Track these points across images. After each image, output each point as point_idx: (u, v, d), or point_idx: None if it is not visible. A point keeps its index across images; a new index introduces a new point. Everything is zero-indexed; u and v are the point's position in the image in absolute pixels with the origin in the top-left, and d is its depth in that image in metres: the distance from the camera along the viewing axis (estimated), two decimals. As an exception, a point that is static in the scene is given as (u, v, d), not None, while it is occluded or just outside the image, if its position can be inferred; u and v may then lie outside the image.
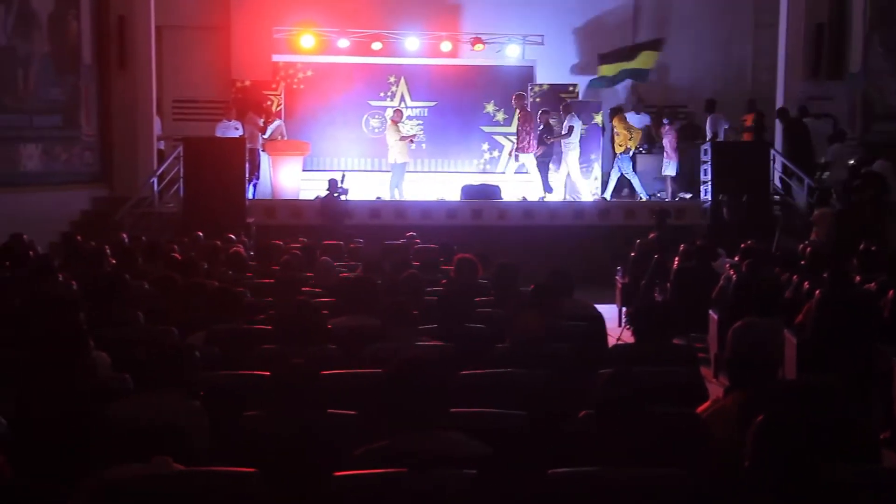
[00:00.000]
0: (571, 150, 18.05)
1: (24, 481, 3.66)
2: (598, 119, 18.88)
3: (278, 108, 19.12)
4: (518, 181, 18.34)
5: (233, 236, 12.27)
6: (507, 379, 5.50)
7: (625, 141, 18.10)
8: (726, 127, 18.90)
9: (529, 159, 18.08)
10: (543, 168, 18.13)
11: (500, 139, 19.43)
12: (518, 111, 18.17)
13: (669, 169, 18.30)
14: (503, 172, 18.95)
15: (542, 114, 18.20)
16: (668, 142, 18.24)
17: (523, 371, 5.56)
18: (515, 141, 18.29)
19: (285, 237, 12.81)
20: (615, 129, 18.31)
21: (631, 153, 18.29)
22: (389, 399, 4.08)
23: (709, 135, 18.63)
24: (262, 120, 18.34)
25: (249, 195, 16.66)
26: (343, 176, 15.71)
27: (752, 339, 4.84)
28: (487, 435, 4.18)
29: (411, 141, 18.45)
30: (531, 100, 19.17)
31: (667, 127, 18.38)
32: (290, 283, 8.00)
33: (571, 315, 7.29)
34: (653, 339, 5.89)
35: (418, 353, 5.68)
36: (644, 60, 19.08)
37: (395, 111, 18.60)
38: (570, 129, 17.96)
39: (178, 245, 11.18)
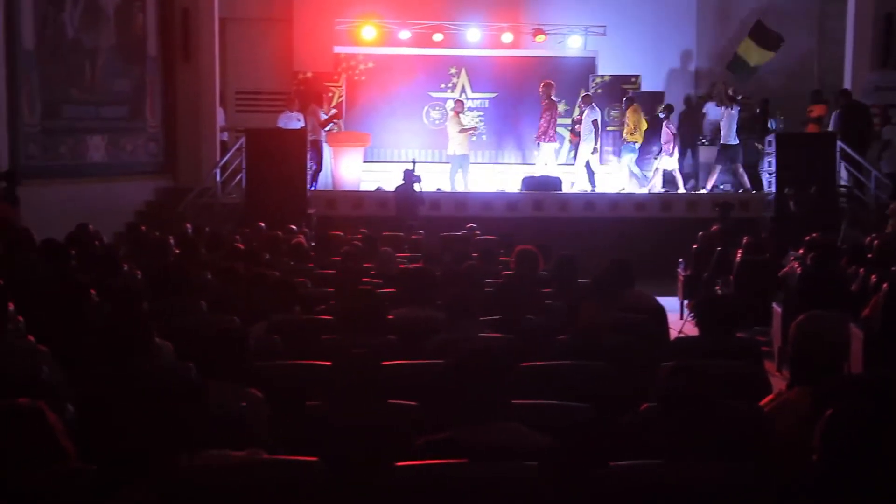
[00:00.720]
0: (585, 141, 18.07)
1: (90, 468, 3.69)
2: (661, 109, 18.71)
3: (339, 100, 19.20)
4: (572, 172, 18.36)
5: (294, 227, 12.34)
6: (567, 371, 5.46)
7: (629, 133, 18.10)
8: (780, 122, 18.68)
9: (548, 149, 18.05)
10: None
11: (562, 130, 19.34)
12: (543, 100, 18.11)
13: (666, 162, 18.08)
14: (571, 163, 18.86)
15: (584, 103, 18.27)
16: (665, 134, 18.02)
17: (584, 363, 5.52)
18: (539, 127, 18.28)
19: (346, 228, 12.87)
20: (626, 118, 18.27)
21: (636, 146, 18.20)
22: (452, 390, 4.06)
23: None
24: (324, 112, 18.41)
25: (311, 186, 16.74)
26: (414, 163, 15.66)
27: (816, 332, 4.73)
28: (549, 427, 4.15)
29: (472, 133, 18.42)
30: (593, 91, 19.09)
31: (665, 120, 18.17)
32: (350, 274, 8.01)
33: (632, 307, 7.23)
34: (717, 332, 5.82)
35: (482, 344, 5.65)
36: (760, 56, 18.84)
37: (456, 102, 18.61)
38: (595, 122, 18.07)
39: (241, 235, 11.27)
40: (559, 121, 18.78)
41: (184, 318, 6.61)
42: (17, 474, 3.54)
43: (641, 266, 8.72)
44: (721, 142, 17.87)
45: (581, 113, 18.52)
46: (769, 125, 18.58)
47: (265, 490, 3.70)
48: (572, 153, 18.92)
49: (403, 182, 15.30)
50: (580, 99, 18.87)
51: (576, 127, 18.60)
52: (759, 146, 17.97)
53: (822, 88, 18.89)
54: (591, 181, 18.15)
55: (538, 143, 18.27)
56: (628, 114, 18.22)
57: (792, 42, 19.44)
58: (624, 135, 18.30)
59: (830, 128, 17.39)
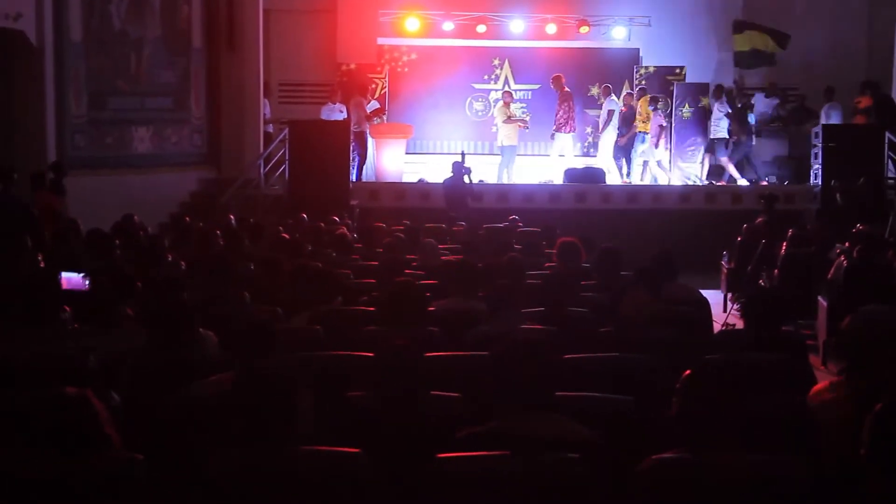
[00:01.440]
0: (605, 132, 18.05)
1: (136, 457, 3.71)
2: (705, 102, 18.57)
3: (382, 92, 19.24)
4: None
5: (336, 218, 12.37)
6: (611, 363, 5.45)
7: (640, 122, 18.20)
8: (839, 114, 18.44)
9: (565, 140, 17.97)
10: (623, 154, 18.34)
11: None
12: (557, 91, 18.07)
13: (650, 154, 17.98)
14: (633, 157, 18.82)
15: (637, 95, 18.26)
16: (653, 126, 17.92)
17: (627, 355, 5.50)
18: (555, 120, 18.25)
19: (388, 220, 12.89)
20: (638, 109, 18.36)
21: (647, 136, 18.22)
22: (495, 382, 4.05)
23: (823, 121, 18.21)
24: (376, 104, 18.44)
25: (354, 178, 16.78)
26: (463, 154, 15.60)
27: (869, 326, 4.66)
28: (593, 419, 4.13)
29: (522, 124, 18.38)
30: (637, 82, 19.01)
31: (656, 111, 18.06)
32: (393, 266, 8.01)
33: (675, 299, 7.21)
34: (762, 325, 5.76)
35: (525, 335, 5.64)
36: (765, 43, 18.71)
37: (504, 92, 18.68)
38: (610, 112, 18.09)
39: (283, 227, 11.31)
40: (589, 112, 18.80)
41: (226, 308, 6.64)
42: (62, 462, 3.57)
43: (685, 258, 8.68)
44: (710, 136, 17.93)
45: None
46: (817, 116, 18.37)
47: (308, 481, 3.71)
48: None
49: (453, 174, 15.24)
50: (600, 89, 18.83)
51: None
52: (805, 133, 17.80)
53: (871, 80, 18.64)
54: (623, 173, 18.09)
55: (552, 134, 18.25)
56: (640, 104, 18.23)
57: (841, 31, 19.23)
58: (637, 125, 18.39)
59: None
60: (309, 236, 10.49)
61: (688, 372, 3.81)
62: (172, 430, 4.45)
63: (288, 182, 15.73)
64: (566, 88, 18.11)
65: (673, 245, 8.95)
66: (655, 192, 17.07)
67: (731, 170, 17.78)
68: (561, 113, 17.99)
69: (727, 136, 17.80)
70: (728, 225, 14.00)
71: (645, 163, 18.35)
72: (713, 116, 17.93)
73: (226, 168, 17.47)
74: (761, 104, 18.63)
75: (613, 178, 17.99)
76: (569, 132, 18.02)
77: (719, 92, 17.99)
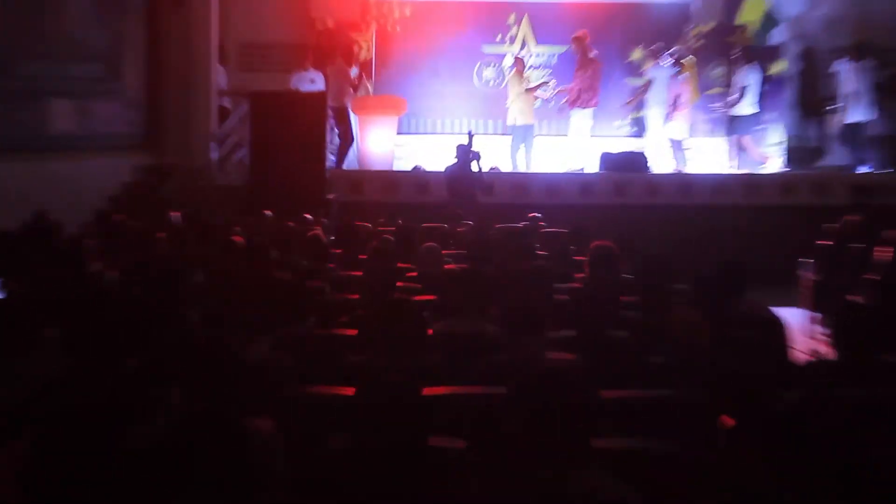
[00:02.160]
0: (650, 107, 18.12)
1: None
2: (779, 68, 18.57)
3: (368, 56, 19.23)
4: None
5: (310, 216, 12.35)
6: (659, 401, 5.49)
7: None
8: None
9: (582, 117, 18.00)
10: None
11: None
12: (578, 55, 18.08)
13: (672, 130, 18.05)
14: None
15: (676, 56, 18.27)
16: (672, 95, 17.95)
17: (681, 392, 5.52)
18: (568, 90, 18.37)
19: (375, 218, 12.88)
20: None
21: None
22: (512, 426, 4.01)
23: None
24: (356, 70, 18.41)
25: (332, 164, 16.76)
26: (471, 135, 15.53)
27: None
28: (635, 473, 4.12)
29: (542, 92, 18.37)
30: (691, 44, 19.01)
31: (675, 75, 18.09)
32: (381, 277, 7.98)
33: (743, 320, 7.15)
34: (857, 353, 5.73)
35: (550, 366, 5.61)
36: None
37: (516, 60, 18.64)
38: (649, 82, 18.43)
39: (243, 227, 11.30)
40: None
41: (167, 333, 6.58)
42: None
43: (754, 267, 8.63)
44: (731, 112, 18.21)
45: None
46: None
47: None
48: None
49: (457, 160, 15.20)
50: (645, 51, 18.86)
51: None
52: None
53: None
54: (679, 158, 18.13)
55: (569, 109, 18.37)
56: (687, 68, 18.50)
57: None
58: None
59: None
60: (274, 239, 10.45)
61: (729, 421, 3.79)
62: (98, 490, 4.40)
63: (249, 170, 15.75)
64: (591, 52, 18.09)
65: (738, 250, 8.93)
66: (716, 183, 17.07)
67: (754, 152, 17.90)
68: (578, 82, 18.03)
69: (756, 111, 17.88)
70: (810, 224, 13.95)
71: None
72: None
73: (169, 152, 17.44)
74: (845, 72, 18.57)
75: (662, 166, 17.98)
76: (586, 107, 17.99)
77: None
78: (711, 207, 16.41)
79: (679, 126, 18.14)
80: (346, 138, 17.70)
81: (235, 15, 19.76)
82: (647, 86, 18.51)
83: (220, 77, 18.29)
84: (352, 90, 18.07)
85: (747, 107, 18.03)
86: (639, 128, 19.46)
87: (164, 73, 17.64)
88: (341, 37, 19.23)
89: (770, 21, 19.31)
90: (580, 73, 18.08)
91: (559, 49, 20.12)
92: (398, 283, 8.40)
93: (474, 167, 15.18)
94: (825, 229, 12.40)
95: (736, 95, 18.04)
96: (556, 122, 19.62)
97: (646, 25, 19.85)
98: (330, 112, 16.62)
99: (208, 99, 17.81)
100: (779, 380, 5.81)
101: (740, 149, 18.30)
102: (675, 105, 18.08)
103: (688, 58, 18.60)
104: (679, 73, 18.08)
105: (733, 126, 18.39)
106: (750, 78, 17.98)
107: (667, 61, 18.36)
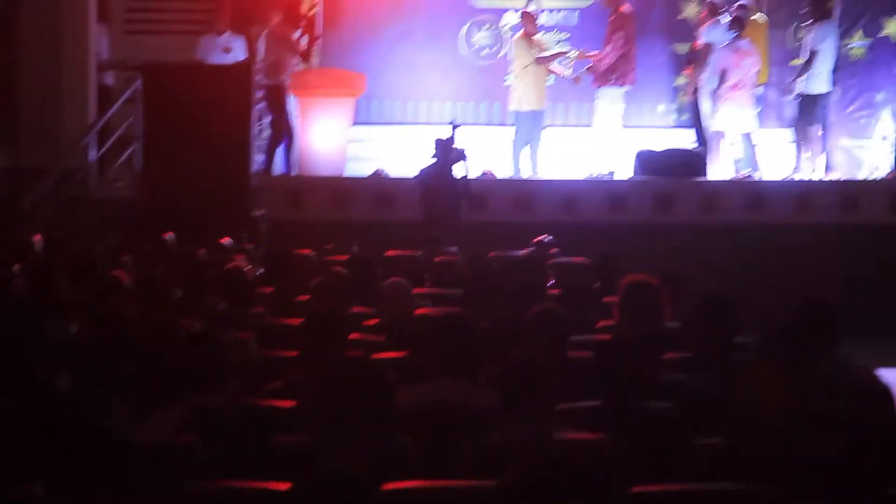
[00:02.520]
0: (704, 84, 18.16)
1: None
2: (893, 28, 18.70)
3: (312, 13, 19.24)
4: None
5: (229, 241, 12.36)
6: (716, 499, 5.48)
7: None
8: None
9: (613, 100, 18.17)
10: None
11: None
12: (611, 14, 18.27)
13: (727, 119, 18.26)
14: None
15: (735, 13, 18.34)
16: (719, 68, 18.09)
17: (750, 487, 5.51)
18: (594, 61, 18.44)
19: (320, 243, 12.88)
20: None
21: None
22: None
23: None
24: (299, 34, 18.34)
25: (260, 166, 16.78)
26: (454, 126, 15.49)
27: None
28: None
29: (555, 69, 18.43)
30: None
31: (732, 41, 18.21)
32: (328, 325, 8.02)
33: (836, 385, 7.21)
34: None
35: (562, 450, 5.65)
36: None
37: (524, 14, 18.60)
38: (707, 47, 18.30)
39: (132, 256, 11.29)
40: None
41: (23, 406, 6.62)
42: None
43: (851, 312, 8.68)
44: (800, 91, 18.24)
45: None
46: None
47: None
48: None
49: (436, 160, 15.20)
50: (701, 7, 18.94)
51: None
52: None
53: None
54: (752, 160, 18.15)
55: (595, 88, 18.47)
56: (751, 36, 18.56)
57: None
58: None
59: None
60: (178, 273, 10.49)
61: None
62: None
63: (141, 176, 15.73)
64: (625, 7, 18.17)
65: (832, 290, 8.98)
66: (799, 194, 17.09)
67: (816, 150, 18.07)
68: (609, 50, 18.10)
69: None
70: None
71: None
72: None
73: (27, 152, 17.42)
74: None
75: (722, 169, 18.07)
76: (621, 85, 18.05)
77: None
78: (792, 228, 16.42)
79: (740, 113, 18.14)
80: (280, 130, 17.58)
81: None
82: (706, 51, 18.48)
83: (100, 44, 18.28)
84: (297, 62, 17.94)
85: (819, 83, 18.11)
86: (692, 115, 19.40)
87: (18, 44, 17.65)
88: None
89: None
90: (612, 38, 18.14)
91: (581, 4, 20.20)
92: (352, 335, 8.42)
93: (458, 171, 15.18)
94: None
95: (802, 64, 18.05)
96: (577, 108, 19.70)
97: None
98: (262, 93, 16.63)
99: (84, 75, 17.82)
100: (885, 472, 5.87)
101: (805, 144, 18.20)
102: (725, 82, 18.03)
103: (756, 15, 18.62)
104: (738, 37, 18.00)
105: (801, 111, 18.37)
106: (825, 39, 18.01)
107: (727, 19, 18.40)
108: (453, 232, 14.05)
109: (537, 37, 18.42)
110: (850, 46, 18.64)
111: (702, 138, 18.39)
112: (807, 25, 18.37)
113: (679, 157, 17.52)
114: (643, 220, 16.46)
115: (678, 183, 17.03)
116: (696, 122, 18.80)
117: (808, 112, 18.11)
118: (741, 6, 18.46)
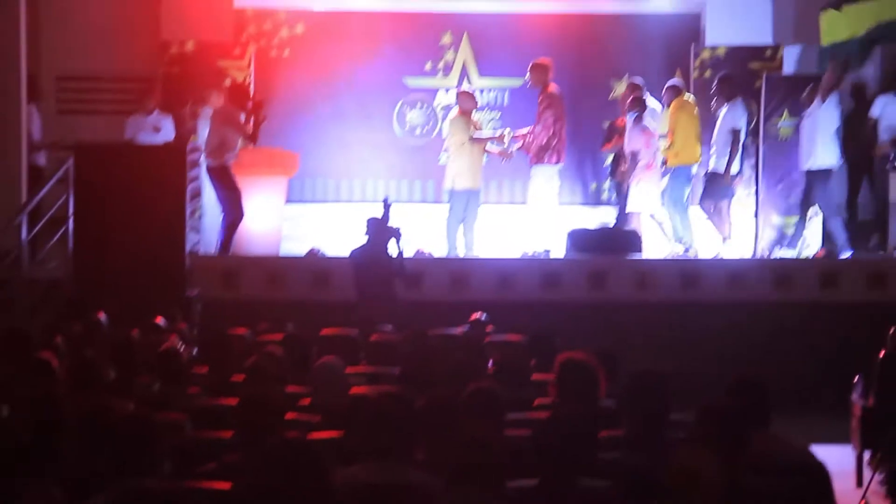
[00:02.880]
0: (640, 164, 18.37)
1: None
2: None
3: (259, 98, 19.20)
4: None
5: (162, 321, 12.34)
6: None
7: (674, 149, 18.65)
8: None
9: (546, 178, 18.29)
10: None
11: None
12: (540, 94, 18.36)
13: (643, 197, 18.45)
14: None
15: (632, 95, 18.44)
16: (632, 137, 18.33)
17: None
18: (525, 140, 18.53)
19: (254, 323, 12.87)
20: (668, 121, 18.75)
21: (692, 170, 18.77)
22: None
23: None
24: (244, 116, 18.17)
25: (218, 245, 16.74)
26: (387, 205, 15.44)
27: None
28: None
29: (491, 149, 18.47)
30: (696, 74, 19.26)
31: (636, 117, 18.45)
32: (263, 407, 8.02)
33: (771, 462, 7.25)
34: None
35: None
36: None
37: (461, 95, 18.58)
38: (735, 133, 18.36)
39: (64, 338, 11.24)
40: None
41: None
42: None
43: (784, 390, 8.74)
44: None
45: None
46: None
47: None
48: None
49: (368, 238, 15.18)
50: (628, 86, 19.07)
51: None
52: None
53: None
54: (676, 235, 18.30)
55: (531, 165, 18.51)
56: (670, 114, 18.69)
57: None
58: (666, 153, 18.79)
59: None
60: (111, 355, 10.46)
61: None
62: None
63: (73, 256, 15.70)
64: (552, 87, 18.27)
65: (765, 367, 9.03)
66: (732, 271, 17.17)
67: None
68: (540, 129, 18.19)
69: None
70: (861, 330, 14.13)
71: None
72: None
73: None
74: (891, 111, 18.82)
75: (657, 246, 18.16)
76: (556, 162, 18.12)
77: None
78: (726, 305, 16.50)
79: (652, 192, 18.34)
80: (234, 209, 17.14)
81: (52, 35, 19.79)
82: (623, 129, 18.60)
83: (31, 122, 18.26)
84: (243, 143, 17.66)
85: (722, 161, 18.36)
86: (618, 193, 19.50)
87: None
88: (204, 65, 19.09)
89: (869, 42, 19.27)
90: (541, 117, 18.19)
91: (510, 82, 20.25)
92: (288, 415, 8.42)
93: (392, 250, 15.18)
94: (890, 337, 12.46)
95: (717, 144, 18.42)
96: (510, 185, 19.77)
97: (635, 47, 20.06)
98: (211, 174, 16.55)
99: (16, 155, 17.76)
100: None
101: (716, 219, 18.37)
102: (637, 163, 18.17)
103: (686, 95, 18.72)
104: (638, 118, 18.17)
105: (706, 188, 18.71)
106: (732, 118, 18.31)
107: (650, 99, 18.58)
108: (388, 311, 14.05)
109: (474, 116, 18.44)
110: (778, 126, 18.75)
111: (622, 217, 18.54)
112: (715, 105, 18.57)
113: (611, 234, 17.58)
114: (577, 297, 16.48)
115: (611, 261, 17.08)
116: (621, 201, 18.97)
117: (715, 189, 18.37)
118: (671, 87, 18.62)
